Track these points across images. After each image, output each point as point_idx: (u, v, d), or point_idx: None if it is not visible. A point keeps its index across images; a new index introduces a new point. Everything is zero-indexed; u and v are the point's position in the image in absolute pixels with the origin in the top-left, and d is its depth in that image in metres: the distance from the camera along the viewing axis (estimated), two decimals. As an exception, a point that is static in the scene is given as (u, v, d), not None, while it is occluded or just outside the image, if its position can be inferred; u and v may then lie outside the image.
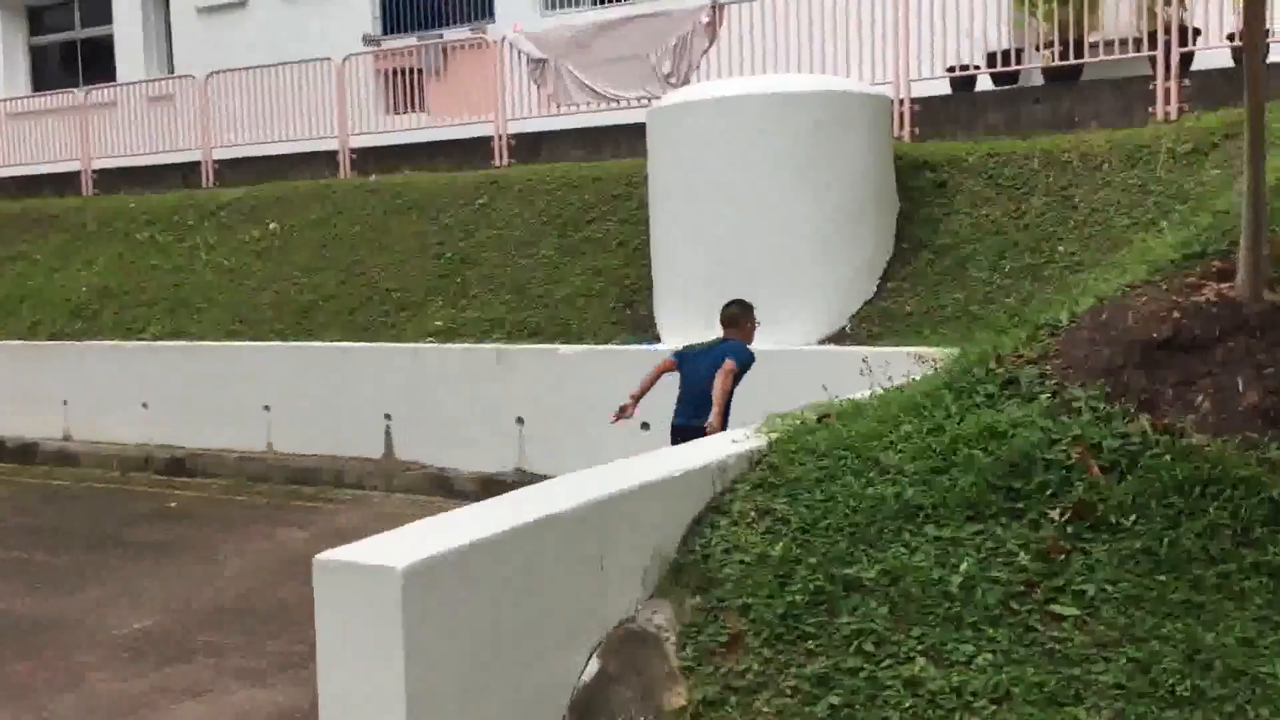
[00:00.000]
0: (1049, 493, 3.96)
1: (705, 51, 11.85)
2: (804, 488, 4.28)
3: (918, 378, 5.90)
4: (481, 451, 10.05)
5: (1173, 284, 4.92)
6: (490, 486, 9.98)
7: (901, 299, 9.33)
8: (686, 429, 6.53)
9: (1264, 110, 4.54)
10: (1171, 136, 9.22)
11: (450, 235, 11.72)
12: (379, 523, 10.02)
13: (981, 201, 9.63)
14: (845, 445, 4.51)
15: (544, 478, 10.15)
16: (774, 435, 4.79)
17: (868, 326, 9.23)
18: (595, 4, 15.60)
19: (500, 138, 12.86)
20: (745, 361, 6.80)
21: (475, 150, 13.18)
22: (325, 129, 14.08)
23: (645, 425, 9.46)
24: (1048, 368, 4.64)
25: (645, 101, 12.10)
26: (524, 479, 9.92)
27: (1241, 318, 4.32)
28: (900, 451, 4.35)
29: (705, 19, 11.76)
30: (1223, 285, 4.72)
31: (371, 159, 13.85)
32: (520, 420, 9.95)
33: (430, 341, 10.64)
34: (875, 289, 9.47)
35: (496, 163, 12.79)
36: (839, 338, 9.27)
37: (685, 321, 9.60)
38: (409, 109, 14.39)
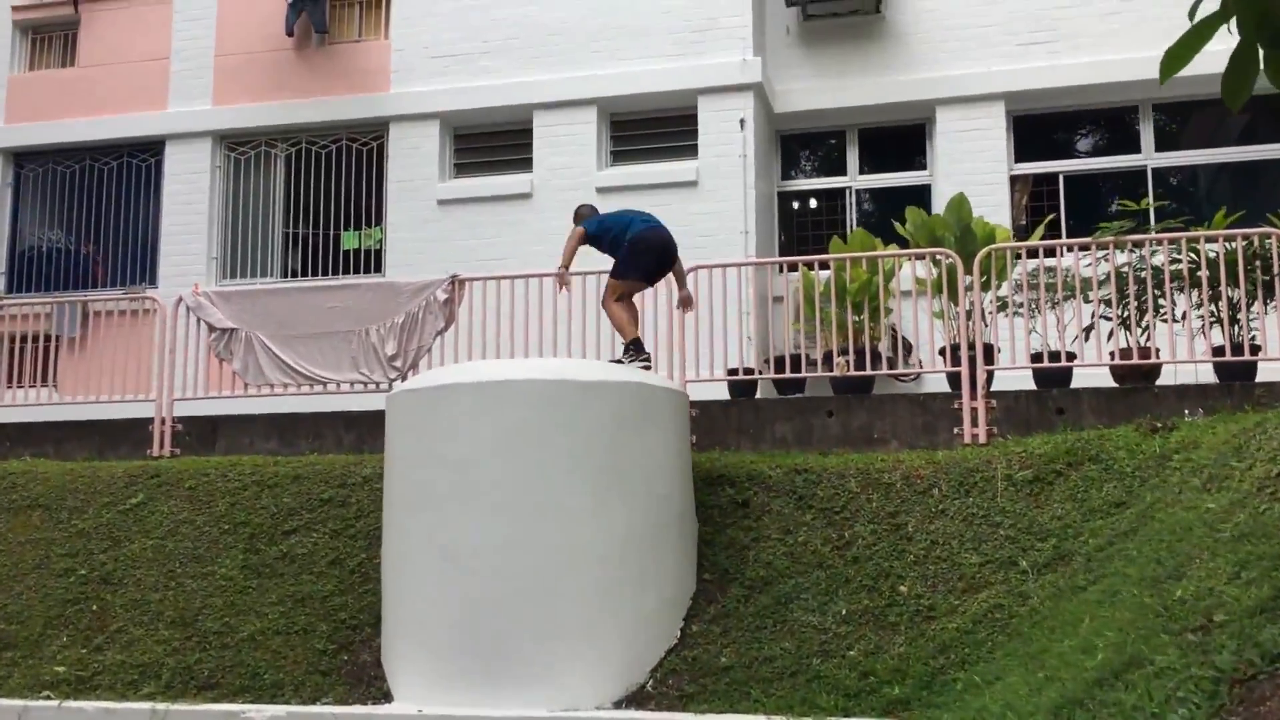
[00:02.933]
0: None
1: (441, 333, 9.88)
2: None
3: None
4: None
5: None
6: None
7: (714, 647, 7.30)
8: None
9: None
10: (1004, 462, 8.01)
11: (87, 545, 8.68)
12: None
13: (795, 526, 7.95)
14: None
15: None
16: None
17: (676, 684, 7.10)
18: (284, 276, 13.49)
19: (163, 420, 10.09)
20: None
21: (127, 435, 10.31)
22: (-87, 398, 10.82)
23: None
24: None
25: (362, 385, 9.89)
26: None
27: None
28: None
29: (443, 295, 9.85)
30: None
31: (-23, 439, 10.63)
32: (179, 818, 6.91)
33: (46, 697, 7.45)
34: (679, 633, 7.41)
35: (156, 452, 9.96)
36: (639, 699, 7.06)
37: (428, 675, 7.12)
38: (36, 382, 11.45)
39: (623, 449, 7.35)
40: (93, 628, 8.03)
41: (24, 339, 11.54)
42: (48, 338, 11.98)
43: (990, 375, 9.13)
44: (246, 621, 7.89)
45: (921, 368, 9.54)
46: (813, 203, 13.32)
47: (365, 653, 7.59)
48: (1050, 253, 9.35)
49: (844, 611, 7.33)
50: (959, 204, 9.57)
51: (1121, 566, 6.19)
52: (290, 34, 13.59)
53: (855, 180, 13.10)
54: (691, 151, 12.51)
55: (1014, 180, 12.60)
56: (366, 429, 9.75)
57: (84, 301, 12.36)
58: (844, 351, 9.38)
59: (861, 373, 9.35)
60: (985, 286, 9.20)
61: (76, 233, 14.24)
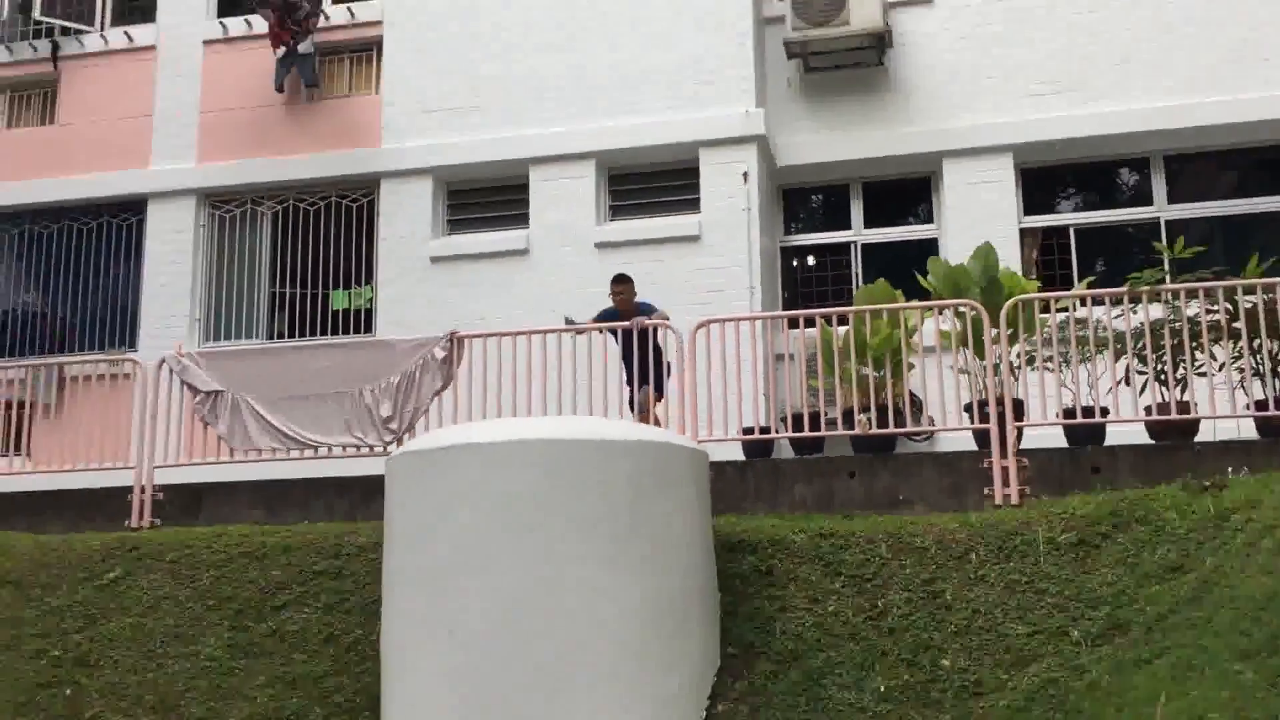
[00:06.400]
0: None
1: (439, 393, 9.37)
2: None
3: None
4: None
5: None
6: None
7: (744, 729, 6.75)
8: None
9: None
10: (1046, 524, 7.51)
11: (60, 624, 8.07)
12: None
13: (824, 595, 7.42)
14: None
15: None
16: None
17: (704, 770, 6.54)
18: (271, 337, 12.98)
19: (143, 489, 9.51)
20: None
21: (103, 505, 9.72)
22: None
23: None
24: None
25: (355, 450, 9.36)
26: None
27: None
28: None
29: (441, 354, 9.37)
30: None
31: (-56, 512, 10.01)
32: None
33: (13, 794, 6.83)
34: (704, 714, 6.85)
35: (135, 523, 9.37)
36: (664, 788, 6.48)
37: (434, 763, 6.50)
38: (7, 451, 10.92)
39: (641, 515, 6.83)
40: (66, 714, 7.41)
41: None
42: (20, 404, 11.41)
43: (1020, 432, 8.66)
44: (233, 706, 7.29)
45: (933, 425, 9.09)
46: (811, 260, 12.93)
47: (363, 740, 7.00)
48: (1079, 304, 8.94)
49: (882, 688, 6.79)
50: (985, 254, 9.17)
51: (1194, 637, 5.70)
52: (280, 89, 13.21)
53: (860, 235, 12.73)
54: (693, 206, 12.14)
55: (1024, 233, 12.24)
56: (359, 496, 9.22)
57: (59, 365, 11.82)
58: (865, 409, 8.90)
59: (884, 430, 8.88)
60: (1012, 340, 8.76)
61: (53, 295, 13.71)
